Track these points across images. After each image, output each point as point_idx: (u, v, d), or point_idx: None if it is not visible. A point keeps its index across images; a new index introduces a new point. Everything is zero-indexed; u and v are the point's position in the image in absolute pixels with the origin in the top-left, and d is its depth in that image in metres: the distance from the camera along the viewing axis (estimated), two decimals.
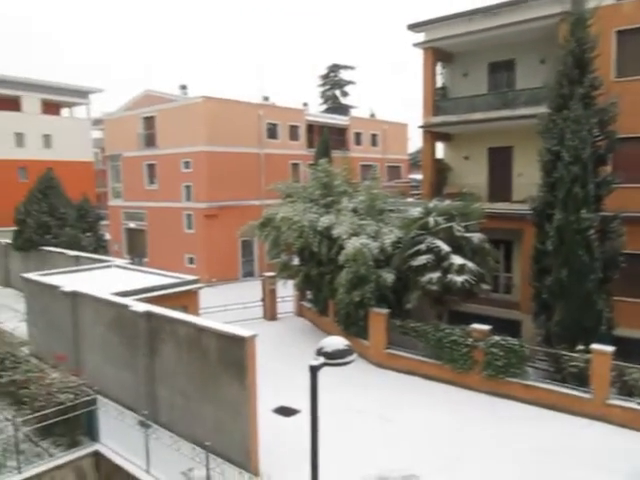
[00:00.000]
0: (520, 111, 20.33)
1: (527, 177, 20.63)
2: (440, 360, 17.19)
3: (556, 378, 15.57)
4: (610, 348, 14.53)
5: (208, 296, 22.03)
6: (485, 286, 18.32)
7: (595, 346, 14.65)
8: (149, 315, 13.20)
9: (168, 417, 13.01)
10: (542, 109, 17.79)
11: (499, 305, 21.28)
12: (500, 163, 22.88)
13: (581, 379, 14.93)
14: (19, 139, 45.89)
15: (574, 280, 15.44)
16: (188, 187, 33.86)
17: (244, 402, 11.20)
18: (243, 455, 11.39)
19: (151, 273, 19.33)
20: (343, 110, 57.84)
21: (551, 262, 16.12)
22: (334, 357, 6.41)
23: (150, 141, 36.38)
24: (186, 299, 17.01)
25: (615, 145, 16.65)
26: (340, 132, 43.41)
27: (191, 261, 33.88)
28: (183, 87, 37.02)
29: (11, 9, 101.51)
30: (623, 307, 16.99)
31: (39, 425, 11.79)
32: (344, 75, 64.16)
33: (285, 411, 15.01)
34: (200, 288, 17.83)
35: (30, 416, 11.76)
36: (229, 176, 33.33)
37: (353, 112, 54.44)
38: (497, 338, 16.09)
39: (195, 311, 17.02)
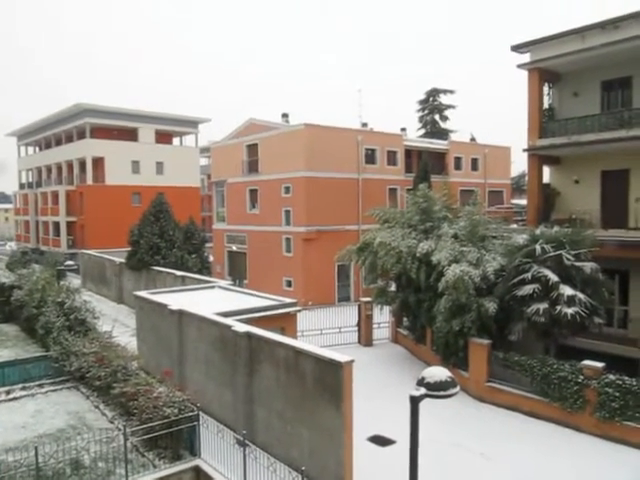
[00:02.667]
0: (637, 131, 18.91)
1: None
2: (546, 397, 16.09)
3: None
4: None
5: (305, 319, 22.30)
6: (598, 319, 16.99)
7: None
8: (249, 336, 13.55)
9: (265, 437, 13.17)
10: None
11: (614, 341, 19.59)
12: (615, 187, 21.31)
13: None
14: (135, 166, 49.79)
15: None
16: (288, 211, 34.77)
17: (339, 428, 11.09)
18: None
19: (251, 295, 19.92)
20: (442, 135, 57.04)
21: None
22: (436, 388, 6.18)
23: (253, 167, 37.92)
24: (284, 321, 17.29)
25: None
26: (439, 157, 42.76)
27: (289, 284, 34.58)
28: (285, 115, 38.39)
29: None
30: None
31: (146, 437, 12.38)
32: (444, 99, 63.40)
33: (380, 440, 14.69)
34: (298, 311, 18.07)
35: (138, 427, 12.39)
36: (327, 201, 33.85)
37: (453, 136, 53.52)
38: (612, 377, 14.80)
39: (293, 333, 17.25)
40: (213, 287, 21.99)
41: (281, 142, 35.08)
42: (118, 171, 48.88)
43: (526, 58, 23.15)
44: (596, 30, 20.41)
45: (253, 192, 38.17)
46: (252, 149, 38.03)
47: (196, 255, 32.92)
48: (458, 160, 43.88)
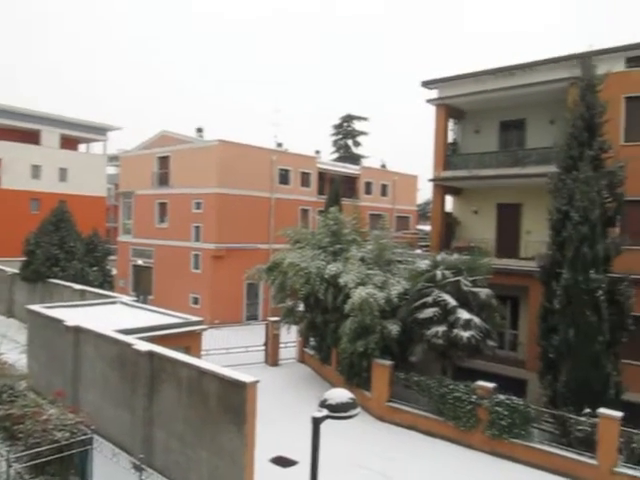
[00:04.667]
0: (530, 169, 20.60)
1: (535, 234, 20.74)
2: (442, 416, 16.85)
3: (561, 442, 15.17)
4: (618, 413, 14.19)
5: (211, 338, 21.88)
6: (491, 342, 18.12)
7: (603, 410, 14.32)
8: (151, 355, 13.10)
9: (163, 461, 12.72)
10: (552, 168, 18.03)
11: (505, 362, 20.97)
12: (509, 219, 23.02)
13: (587, 444, 14.53)
14: (35, 171, 46.77)
15: (582, 341, 15.28)
16: (198, 227, 34.15)
17: (241, 450, 10.96)
18: None
19: (155, 312, 19.28)
20: (354, 159, 58.76)
21: (558, 321, 16.00)
22: (338, 410, 6.33)
23: (163, 180, 36.98)
24: (189, 340, 16.89)
25: (623, 207, 16.77)
26: (351, 181, 43.96)
27: (196, 301, 33.83)
28: (199, 130, 37.88)
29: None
30: (632, 371, 16.71)
31: (31, 463, 11.54)
32: (357, 125, 65.47)
33: (283, 461, 14.64)
34: (204, 329, 17.74)
35: (23, 453, 11.53)
36: (239, 219, 33.66)
37: (364, 162, 55.29)
38: (502, 397, 15.81)
39: (197, 353, 16.88)
40: (115, 302, 21.04)
41: (194, 156, 34.56)
42: (15, 175, 45.73)
43: (435, 94, 24.59)
44: (495, 75, 22.15)
45: (162, 205, 37.18)
46: (164, 161, 37.13)
47: (98, 268, 31.32)
48: (369, 185, 45.32)
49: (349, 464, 14.61)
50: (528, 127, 23.04)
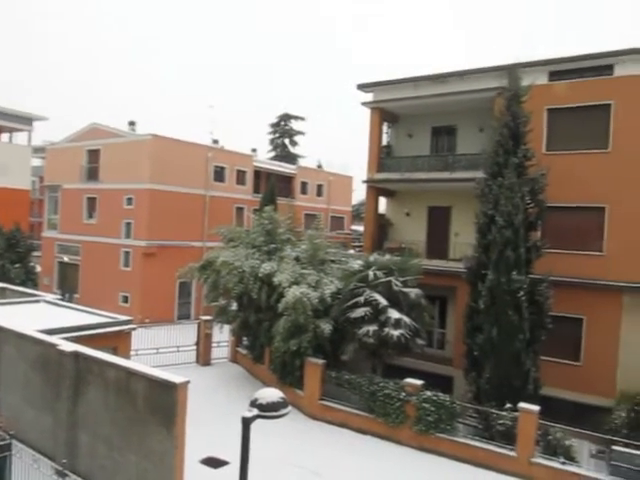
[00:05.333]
0: (459, 174, 21.41)
1: (463, 237, 21.56)
2: (373, 413, 17.21)
3: (484, 435, 15.88)
4: (536, 407, 15.02)
5: (141, 337, 21.31)
6: (420, 341, 18.67)
7: (522, 405, 15.12)
8: (76, 355, 12.60)
9: (88, 466, 12.27)
10: (479, 174, 18.82)
11: (433, 360, 21.68)
12: (439, 221, 23.81)
13: (508, 437, 15.29)
14: None
15: (504, 339, 16.04)
16: (128, 224, 33.09)
17: (171, 452, 10.75)
18: None
19: (81, 311, 18.53)
20: (291, 159, 58.86)
21: (483, 320, 16.72)
22: (268, 409, 6.36)
23: (93, 174, 35.57)
24: (117, 340, 16.37)
25: (544, 213, 17.76)
26: (287, 180, 44.00)
27: (125, 300, 32.77)
28: (132, 123, 36.73)
29: None
30: (549, 367, 17.71)
31: None
32: (294, 125, 65.56)
33: (213, 462, 14.49)
34: (133, 329, 17.23)
35: None
36: (172, 216, 32.91)
37: (301, 162, 55.50)
38: (429, 393, 16.33)
39: (126, 353, 16.38)
40: (38, 301, 20.04)
41: (126, 151, 33.45)
42: None
43: (370, 97, 25.04)
44: (425, 82, 22.83)
45: (91, 200, 35.74)
46: (93, 155, 35.69)
47: (20, 265, 29.80)
48: (304, 185, 45.53)
49: (282, 463, 14.67)
50: (459, 133, 23.92)
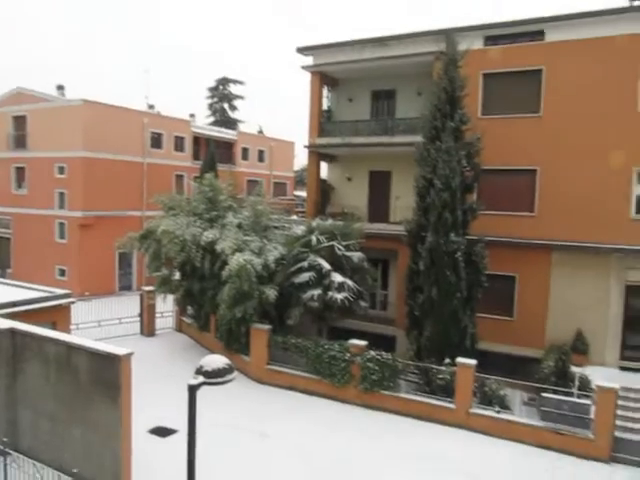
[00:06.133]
0: (398, 138, 21.64)
1: (404, 200, 21.96)
2: (319, 375, 17.64)
3: (426, 390, 16.63)
4: (473, 361, 15.83)
5: (81, 311, 20.79)
6: (363, 303, 19.14)
7: (460, 360, 15.89)
8: (13, 332, 12.18)
9: (31, 443, 12.03)
10: (418, 138, 19.08)
11: (376, 321, 22.27)
12: (380, 186, 24.12)
13: (447, 391, 16.09)
14: None
15: (442, 298, 16.67)
16: (62, 194, 31.70)
17: (116, 424, 10.69)
18: None
19: (16, 286, 17.81)
20: (231, 124, 57.69)
21: (423, 281, 17.27)
22: (214, 376, 6.42)
23: (20, 142, 33.66)
24: (55, 315, 15.87)
25: (480, 176, 18.31)
26: (227, 146, 43.19)
27: (62, 273, 31.67)
28: (60, 87, 34.71)
29: None
30: (485, 323, 18.57)
31: None
32: (233, 89, 64.02)
33: (162, 431, 14.54)
34: (72, 302, 16.75)
35: None
36: (108, 185, 31.76)
37: (241, 127, 54.49)
38: (373, 353, 16.87)
39: (66, 328, 15.95)
40: None
41: (56, 117, 31.74)
42: None
43: (310, 61, 24.70)
44: (367, 45, 22.73)
45: (20, 170, 33.91)
46: (20, 122, 33.69)
47: None
48: (245, 151, 44.85)
49: (231, 427, 14.89)
50: (398, 97, 24.04)
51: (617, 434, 14.28)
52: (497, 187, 19.83)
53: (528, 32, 19.64)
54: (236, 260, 17.81)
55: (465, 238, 17.31)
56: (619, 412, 14.48)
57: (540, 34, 19.49)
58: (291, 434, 14.83)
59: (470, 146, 17.97)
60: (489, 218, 18.78)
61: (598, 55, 18.37)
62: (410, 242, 18.49)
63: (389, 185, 23.87)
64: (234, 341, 19.48)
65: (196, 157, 38.40)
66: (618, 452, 14.16)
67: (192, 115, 43.52)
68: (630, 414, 14.93)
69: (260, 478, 12.35)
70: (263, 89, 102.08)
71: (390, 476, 12.84)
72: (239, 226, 20.27)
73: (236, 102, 64.23)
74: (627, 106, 17.99)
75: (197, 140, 39.76)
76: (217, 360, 6.55)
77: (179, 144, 37.69)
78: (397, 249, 20.91)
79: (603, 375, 16.20)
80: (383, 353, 16.93)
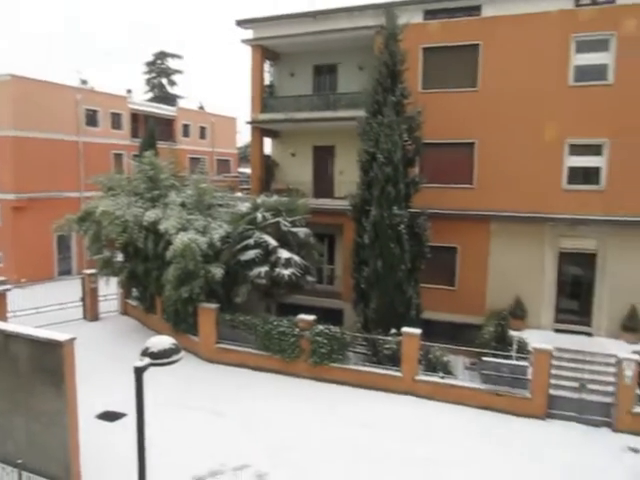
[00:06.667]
0: (341, 113, 21.66)
1: (348, 175, 22.13)
2: (269, 351, 17.76)
3: (373, 360, 17.07)
4: (418, 330, 16.35)
5: (18, 298, 20.02)
6: (310, 278, 19.30)
7: (405, 329, 16.37)
8: None
9: None
10: (360, 112, 19.20)
11: (324, 295, 22.56)
12: (324, 161, 24.17)
13: (394, 360, 16.57)
14: None
15: (387, 271, 17.04)
16: None
17: (62, 411, 10.46)
18: (62, 469, 10.64)
19: None
20: (170, 100, 56.01)
21: (368, 254, 17.57)
22: (160, 357, 6.37)
23: None
24: None
25: (421, 149, 18.65)
26: (167, 123, 42.01)
27: None
28: None
29: None
30: (428, 293, 19.16)
31: None
32: (171, 64, 62.04)
33: (110, 416, 14.32)
34: (7, 290, 16.12)
35: None
36: (42, 165, 30.32)
37: (181, 103, 52.98)
38: (321, 327, 17.10)
39: (2, 316, 15.37)
40: None
41: None
42: None
43: (250, 34, 24.21)
44: (308, 18, 22.47)
45: None
46: None
47: None
48: (186, 127, 43.77)
49: (182, 407, 14.85)
50: (340, 72, 23.98)
51: (552, 392, 15.14)
52: (438, 160, 20.27)
53: (466, 7, 19.93)
54: (180, 239, 17.52)
55: (408, 211, 17.69)
56: (553, 371, 15.33)
57: (477, 9, 19.82)
58: (245, 411, 14.93)
59: (411, 120, 18.24)
60: (431, 191, 19.24)
61: (531, 30, 18.91)
62: (355, 216, 18.73)
63: (333, 160, 23.96)
64: (181, 321, 19.28)
65: (135, 135, 37.16)
66: (553, 409, 15.06)
67: (129, 91, 41.98)
68: (563, 373, 15.83)
69: (216, 457, 12.39)
70: (203, 64, 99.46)
71: (344, 444, 13.18)
72: (182, 205, 19.88)
73: (175, 77, 62.41)
74: (559, 80, 18.69)
75: (135, 117, 38.43)
76: (163, 341, 6.50)
77: (116, 121, 36.33)
78: (342, 224, 21.13)
79: (539, 338, 17.14)
80: (331, 326, 17.20)
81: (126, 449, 9.51)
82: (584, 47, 18.51)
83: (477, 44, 19.70)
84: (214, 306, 18.61)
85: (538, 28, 18.79)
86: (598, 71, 18.42)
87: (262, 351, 17.93)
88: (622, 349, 16.11)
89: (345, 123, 21.00)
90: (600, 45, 18.35)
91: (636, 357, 14.52)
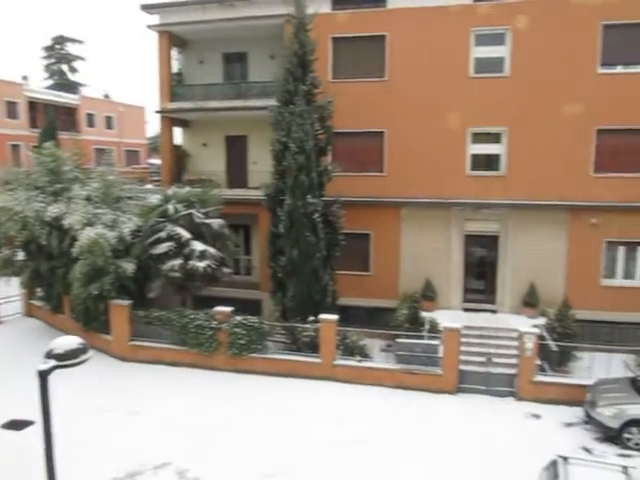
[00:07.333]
0: (252, 102, 21.46)
1: (261, 165, 22.02)
2: (186, 345, 17.46)
3: (293, 348, 17.24)
4: (335, 316, 16.69)
5: None
6: (226, 270, 19.12)
7: (322, 316, 16.66)
8: None
9: None
10: (272, 102, 19.12)
11: (241, 287, 22.41)
12: (237, 151, 23.86)
13: (313, 346, 16.82)
14: None
15: (303, 259, 17.22)
16: None
17: None
18: None
19: None
20: (72, 88, 52.94)
21: (284, 243, 17.65)
22: (66, 358, 6.08)
23: None
24: None
25: (332, 138, 18.91)
26: (70, 112, 39.81)
27: None
28: None
29: None
30: (344, 280, 19.57)
31: None
32: (72, 49, 58.60)
33: (17, 425, 13.53)
34: None
35: None
36: None
37: (84, 91, 50.23)
38: (239, 318, 17.03)
39: None
40: None
41: None
42: None
43: (156, 20, 23.34)
44: (215, 5, 22.00)
45: None
46: None
47: None
48: (91, 117, 41.71)
49: (97, 409, 14.30)
50: (250, 60, 23.68)
51: (462, 367, 16.00)
52: (350, 149, 20.68)
53: None
54: (87, 235, 16.75)
55: (322, 199, 17.91)
56: (462, 348, 16.20)
57: (383, 0, 20.26)
58: (163, 408, 14.60)
59: (322, 109, 18.42)
60: (344, 179, 19.56)
61: (434, 23, 19.62)
62: (269, 206, 18.72)
63: (246, 150, 23.72)
64: (92, 320, 18.47)
65: (34, 125, 34.93)
66: (463, 383, 15.93)
67: (25, 77, 39.22)
68: (471, 349, 16.77)
69: (135, 457, 12.02)
70: (107, 51, 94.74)
71: (266, 433, 13.25)
72: (88, 199, 18.94)
73: (76, 64, 59.02)
74: (460, 72, 19.56)
75: (34, 106, 36.09)
76: (69, 341, 6.20)
77: (12, 110, 33.96)
78: (258, 214, 21.05)
79: (449, 317, 18.03)
80: (249, 317, 17.16)
81: (36, 456, 9.02)
82: (482, 40, 19.46)
83: (384, 35, 20.15)
84: (126, 302, 17.99)
85: (440, 21, 19.52)
86: (496, 64, 19.46)
87: (179, 346, 17.59)
88: (523, 324, 17.30)
89: (257, 112, 20.84)
90: (497, 39, 19.37)
91: (536, 330, 15.66)
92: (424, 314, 18.44)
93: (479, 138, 19.93)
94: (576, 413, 14.38)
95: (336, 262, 18.79)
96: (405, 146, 20.23)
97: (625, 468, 8.92)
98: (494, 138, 19.83)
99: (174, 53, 24.55)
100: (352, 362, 16.58)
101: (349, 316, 18.38)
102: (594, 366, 15.36)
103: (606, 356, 15.89)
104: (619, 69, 18.74)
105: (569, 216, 19.32)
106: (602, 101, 18.60)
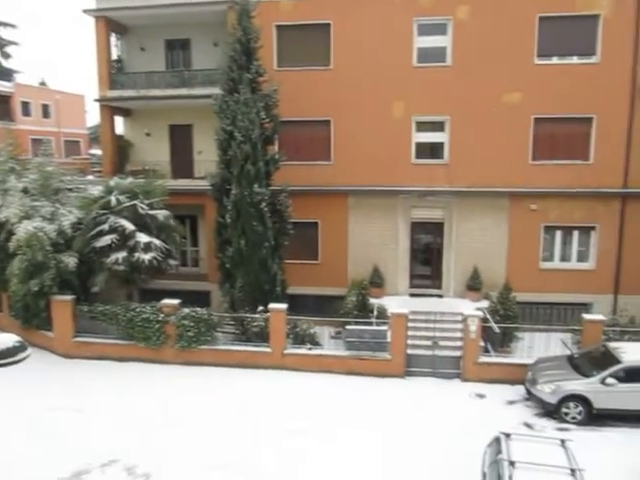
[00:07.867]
0: (197, 91, 21.02)
1: (207, 154, 21.65)
2: (133, 340, 17.14)
3: (243, 339, 17.20)
4: (284, 306, 16.74)
5: None
6: (173, 261, 18.84)
7: (272, 305, 16.68)
8: None
9: None
10: (217, 90, 18.80)
11: (189, 278, 22.10)
12: (181, 140, 23.34)
13: (263, 336, 16.83)
14: None
15: (251, 249, 17.14)
16: None
17: None
18: None
19: None
20: (5, 75, 50.29)
21: (231, 234, 17.49)
22: (3, 357, 5.87)
23: None
24: None
25: (279, 127, 18.81)
26: (3, 100, 37.93)
27: None
28: None
29: None
30: (293, 269, 19.59)
31: None
32: (4, 33, 55.52)
33: None
34: None
35: None
36: None
37: (18, 78, 47.86)
38: (187, 310, 16.83)
39: None
40: None
41: None
42: None
43: (93, 4, 22.45)
44: None
45: None
46: None
47: None
48: (26, 105, 39.92)
49: (41, 409, 13.81)
50: (193, 48, 23.13)
51: (409, 352, 16.38)
52: (297, 138, 20.64)
53: None
54: (24, 228, 16.14)
55: (269, 189, 17.85)
56: (410, 333, 16.56)
57: None
58: (110, 404, 14.26)
59: (268, 98, 18.28)
60: (292, 168, 19.51)
61: (378, 12, 19.74)
62: (216, 196, 18.50)
63: (191, 139, 23.24)
64: (33, 317, 17.78)
65: None
66: (411, 367, 16.32)
67: None
68: (419, 333, 17.16)
69: (81, 456, 11.66)
70: (43, 36, 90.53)
71: (217, 425, 13.17)
72: (25, 191, 18.20)
73: (9, 49, 55.98)
74: (405, 61, 19.81)
75: None
76: (5, 339, 6.01)
77: None
78: (204, 204, 20.73)
79: (396, 303, 18.37)
80: (198, 309, 16.99)
81: None
82: (425, 30, 19.76)
83: (328, 23, 20.13)
84: (69, 298, 17.45)
85: (384, 10, 19.66)
86: (438, 53, 19.81)
87: (126, 340, 17.25)
88: (467, 307, 17.87)
89: (202, 101, 20.43)
90: (439, 29, 19.72)
91: (479, 313, 16.20)
92: (372, 301, 18.71)
93: (423, 127, 20.29)
94: (518, 391, 15.01)
95: (285, 251, 18.78)
96: (352, 135, 20.35)
97: (563, 441, 9.38)
98: (438, 127, 20.23)
99: (113, 39, 23.69)
100: (302, 350, 16.69)
101: (299, 305, 18.44)
102: (534, 346, 16.07)
103: (545, 336, 16.62)
104: (555, 60, 19.46)
105: (510, 202, 19.99)
106: (539, 91, 19.28)
